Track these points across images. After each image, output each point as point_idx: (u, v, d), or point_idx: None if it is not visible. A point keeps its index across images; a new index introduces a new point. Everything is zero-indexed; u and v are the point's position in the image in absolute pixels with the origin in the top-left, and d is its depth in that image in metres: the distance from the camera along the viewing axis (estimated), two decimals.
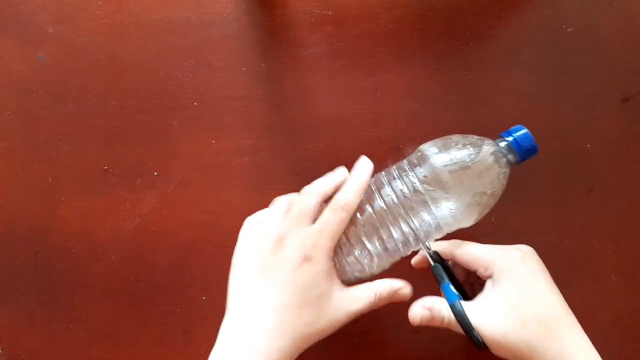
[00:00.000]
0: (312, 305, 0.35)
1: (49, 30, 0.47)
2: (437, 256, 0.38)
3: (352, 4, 0.47)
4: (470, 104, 0.47)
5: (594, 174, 0.46)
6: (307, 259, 0.35)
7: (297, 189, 0.39)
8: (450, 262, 0.39)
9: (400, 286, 0.38)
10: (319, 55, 0.46)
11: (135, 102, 0.46)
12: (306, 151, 0.46)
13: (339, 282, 0.37)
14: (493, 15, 0.47)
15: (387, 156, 0.46)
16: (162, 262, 0.45)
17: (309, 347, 0.44)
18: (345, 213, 0.36)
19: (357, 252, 0.38)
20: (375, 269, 0.39)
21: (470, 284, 0.40)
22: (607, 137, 0.46)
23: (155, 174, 0.46)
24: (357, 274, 0.39)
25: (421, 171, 0.38)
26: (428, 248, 0.38)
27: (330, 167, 0.46)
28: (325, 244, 0.36)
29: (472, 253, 0.37)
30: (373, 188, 0.39)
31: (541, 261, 0.37)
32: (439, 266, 0.37)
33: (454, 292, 0.36)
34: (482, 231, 0.44)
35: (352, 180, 0.38)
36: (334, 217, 0.36)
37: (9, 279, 0.45)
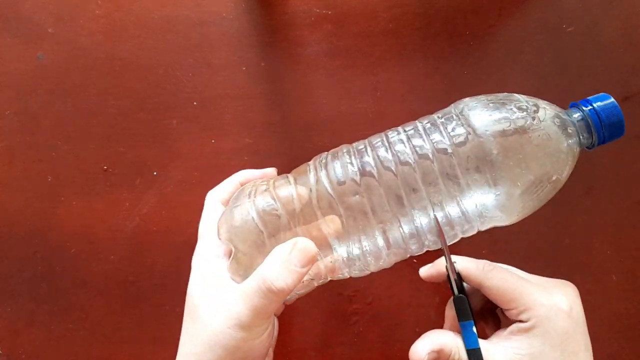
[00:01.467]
0: (193, 316, 0.32)
1: (49, 30, 0.47)
2: (459, 280, 0.30)
3: (352, 3, 0.46)
4: None
5: (593, 173, 0.46)
6: (191, 270, 0.34)
7: None
8: (468, 287, 0.32)
9: (295, 245, 0.30)
10: (319, 54, 0.46)
11: (135, 102, 0.46)
12: (306, 150, 0.46)
13: (227, 287, 0.31)
14: (493, 14, 0.47)
15: None
16: (162, 261, 0.45)
17: (310, 347, 0.45)
18: (207, 203, 0.35)
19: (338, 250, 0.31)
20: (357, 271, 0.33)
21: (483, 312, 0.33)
22: None
23: (155, 173, 0.46)
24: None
25: (457, 134, 0.27)
26: (455, 272, 0.30)
27: None
28: (200, 251, 0.33)
29: (506, 288, 0.29)
30: (372, 153, 0.30)
31: (582, 306, 0.31)
32: (464, 299, 0.30)
33: (476, 335, 0.29)
34: None
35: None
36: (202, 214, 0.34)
37: (8, 278, 0.45)
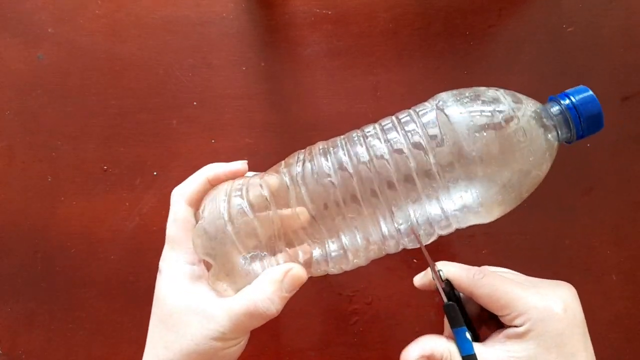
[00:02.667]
0: (167, 323, 0.31)
1: (49, 30, 0.47)
2: (449, 287, 0.30)
3: (352, 3, 0.46)
4: None
5: (593, 174, 0.46)
6: (159, 271, 0.32)
7: None
8: (462, 294, 0.31)
9: (289, 272, 0.30)
10: (319, 54, 0.46)
11: (135, 102, 0.46)
12: None
13: (207, 298, 0.31)
14: (493, 14, 0.47)
15: None
16: None
17: (310, 347, 0.45)
18: (173, 203, 0.33)
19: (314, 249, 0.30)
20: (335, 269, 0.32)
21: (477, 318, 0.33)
22: (607, 137, 0.46)
23: (155, 173, 0.46)
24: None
25: (432, 128, 0.27)
26: (441, 279, 0.30)
27: None
28: (170, 255, 0.32)
29: (498, 294, 0.29)
30: (345, 148, 0.30)
31: (581, 306, 0.31)
32: (454, 306, 0.29)
33: (470, 341, 0.29)
34: (479, 230, 0.43)
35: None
36: (169, 216, 0.33)
37: (8, 278, 0.45)
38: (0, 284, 0.45)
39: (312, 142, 0.46)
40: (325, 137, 0.46)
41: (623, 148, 0.46)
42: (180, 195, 0.33)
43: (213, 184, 0.34)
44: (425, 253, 0.30)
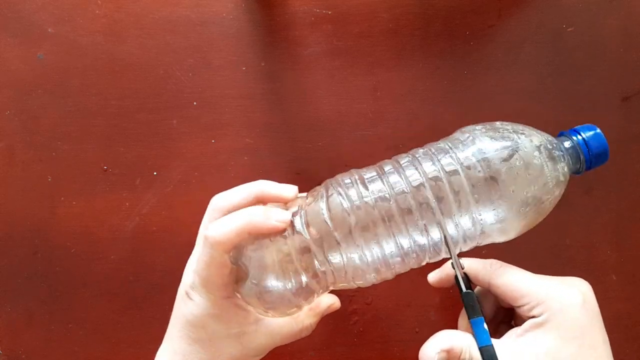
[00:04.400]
0: (204, 344, 0.32)
1: (49, 30, 0.47)
2: (465, 280, 0.30)
3: (352, 3, 0.46)
4: (469, 103, 0.47)
5: (593, 173, 0.45)
6: (189, 297, 0.32)
7: None
8: (477, 289, 0.32)
9: (331, 306, 0.36)
10: (319, 55, 0.46)
11: (135, 102, 0.46)
12: (306, 150, 0.46)
13: (248, 324, 0.32)
14: (493, 14, 0.47)
15: (386, 155, 0.46)
16: (162, 261, 0.45)
17: (310, 347, 0.45)
18: (209, 249, 0.30)
19: (336, 259, 0.31)
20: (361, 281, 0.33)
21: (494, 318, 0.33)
22: (607, 136, 0.46)
23: (155, 173, 0.46)
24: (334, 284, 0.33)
25: (465, 158, 0.30)
26: (462, 267, 0.30)
27: (330, 166, 0.46)
28: (202, 289, 0.32)
29: (517, 284, 0.29)
30: (379, 172, 0.32)
31: (596, 300, 0.30)
32: (473, 294, 0.29)
33: (487, 331, 0.28)
34: None
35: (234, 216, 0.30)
36: (200, 254, 0.31)
37: (8, 278, 0.45)
38: (0, 284, 0.45)
39: (312, 142, 0.46)
40: (325, 137, 0.46)
41: (623, 148, 0.46)
42: (219, 245, 0.30)
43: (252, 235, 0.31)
44: (448, 239, 0.30)
